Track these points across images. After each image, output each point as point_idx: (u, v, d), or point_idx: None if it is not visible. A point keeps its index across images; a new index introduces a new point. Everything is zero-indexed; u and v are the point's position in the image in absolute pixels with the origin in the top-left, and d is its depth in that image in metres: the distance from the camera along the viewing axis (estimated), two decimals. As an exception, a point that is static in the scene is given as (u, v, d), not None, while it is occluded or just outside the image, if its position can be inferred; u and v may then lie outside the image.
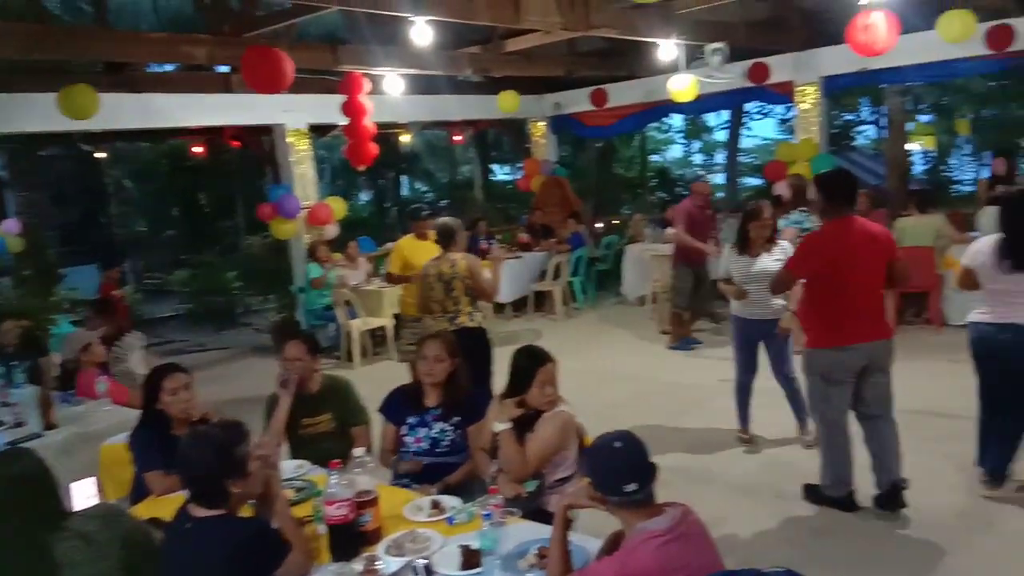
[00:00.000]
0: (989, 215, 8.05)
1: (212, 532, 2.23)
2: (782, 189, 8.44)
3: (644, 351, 7.78)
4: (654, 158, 24.03)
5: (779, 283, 4.12)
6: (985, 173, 10.16)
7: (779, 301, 4.70)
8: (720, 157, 23.24)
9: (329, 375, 3.81)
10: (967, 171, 19.66)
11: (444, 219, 5.21)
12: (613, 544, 2.19)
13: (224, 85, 8.67)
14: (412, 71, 8.19)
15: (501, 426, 2.94)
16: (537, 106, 11.95)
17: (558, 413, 2.98)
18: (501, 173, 23.34)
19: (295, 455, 3.57)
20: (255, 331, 10.81)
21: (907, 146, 12.82)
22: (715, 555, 2.12)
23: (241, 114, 8.82)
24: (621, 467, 2.04)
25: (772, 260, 4.70)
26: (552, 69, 9.90)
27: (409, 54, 7.43)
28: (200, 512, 2.27)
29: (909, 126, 13.17)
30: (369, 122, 7.66)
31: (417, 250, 6.28)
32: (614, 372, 7.10)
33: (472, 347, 4.40)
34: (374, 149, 7.82)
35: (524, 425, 3.01)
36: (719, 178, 22.73)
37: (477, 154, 19.24)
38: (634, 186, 20.47)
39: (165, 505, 2.79)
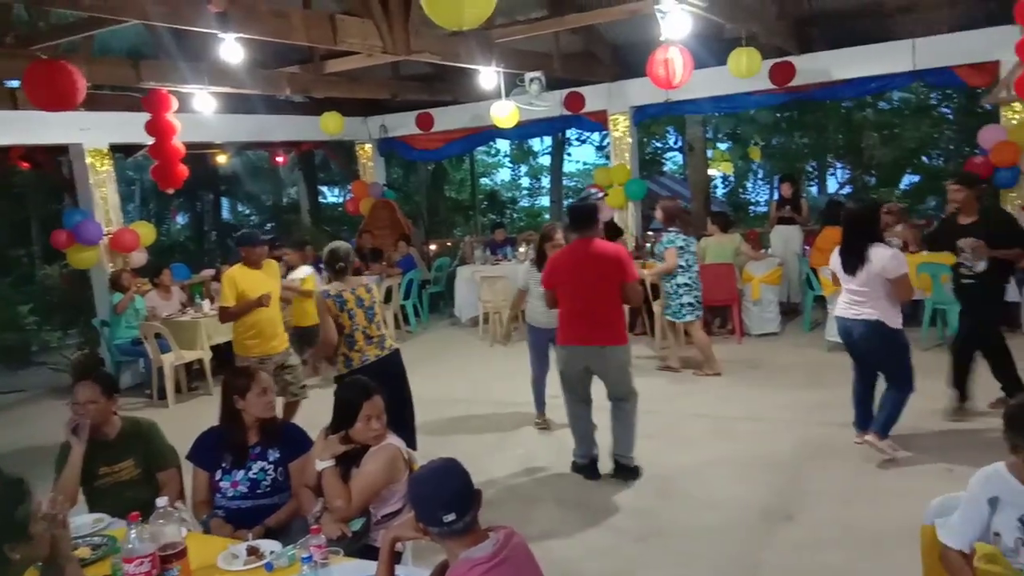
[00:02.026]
0: (778, 233, 8.97)
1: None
2: (608, 212, 8.91)
3: (477, 372, 7.85)
4: (484, 181, 24.52)
5: (546, 297, 4.84)
6: (775, 196, 11.26)
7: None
8: (546, 181, 24.11)
9: (130, 417, 3.49)
10: (761, 194, 21.74)
11: (333, 244, 4.88)
12: (440, 575, 2.16)
13: (11, 101, 7.81)
14: (225, 89, 7.81)
15: (324, 464, 2.83)
16: (363, 128, 11.84)
17: (385, 447, 2.91)
18: (331, 195, 22.82)
19: (94, 507, 3.22)
20: (53, 370, 9.76)
21: (709, 171, 13.97)
22: (539, 575, 2.15)
23: (30, 132, 7.99)
24: (439, 497, 2.02)
25: None
26: (377, 92, 9.84)
27: (220, 72, 7.10)
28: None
29: (709, 153, 14.36)
30: (178, 142, 7.20)
31: (248, 280, 5.54)
32: (448, 395, 7.09)
33: (399, 370, 4.85)
34: (183, 171, 7.35)
35: (350, 461, 2.91)
36: (544, 200, 23.60)
37: (303, 176, 18.67)
38: (465, 208, 20.76)
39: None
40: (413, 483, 2.12)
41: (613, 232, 8.34)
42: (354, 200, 12.06)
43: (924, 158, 16.91)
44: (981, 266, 4.77)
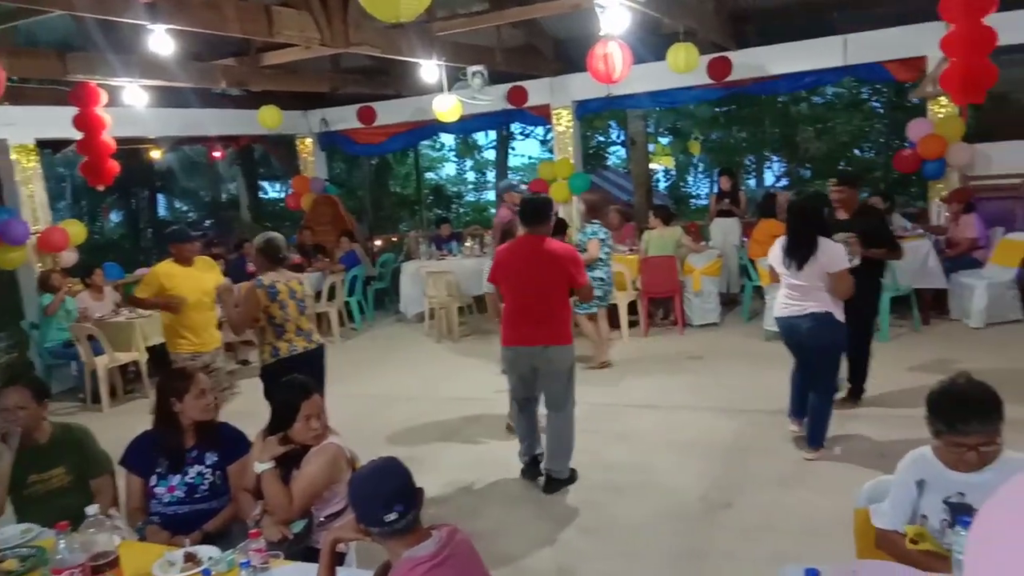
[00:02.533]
0: (718, 226, 9.14)
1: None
2: (578, 204, 8.97)
3: (423, 369, 7.81)
4: (429, 176, 24.36)
5: (489, 297, 4.73)
6: (715, 189, 11.47)
7: None
8: (491, 175, 24.10)
9: (62, 423, 3.37)
10: (702, 187, 22.13)
11: (271, 234, 4.82)
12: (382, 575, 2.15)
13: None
14: (157, 82, 7.58)
15: (263, 466, 2.78)
16: (304, 122, 11.63)
17: (326, 447, 2.87)
18: (272, 191, 22.38)
19: (23, 517, 3.09)
20: (-23, 376, 9.34)
21: (650, 165, 14.14)
22: (483, 572, 2.15)
23: (-53, 127, 7.62)
24: (380, 497, 2.00)
25: None
26: (317, 85, 9.67)
27: (152, 64, 6.88)
28: None
29: (651, 147, 14.54)
30: (108, 137, 6.96)
31: (177, 278, 5.56)
32: (394, 393, 7.05)
33: (321, 365, 4.79)
34: (114, 166, 7.11)
35: (290, 462, 2.86)
36: (490, 195, 23.58)
37: (242, 171, 18.26)
38: (410, 203, 20.60)
39: None
40: (353, 483, 2.10)
41: (559, 227, 8.39)
42: (295, 195, 11.85)
43: (856, 151, 17.44)
44: (856, 260, 4.77)
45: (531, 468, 4.74)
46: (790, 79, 9.25)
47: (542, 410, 4.73)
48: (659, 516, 4.17)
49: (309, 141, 11.98)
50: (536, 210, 4.51)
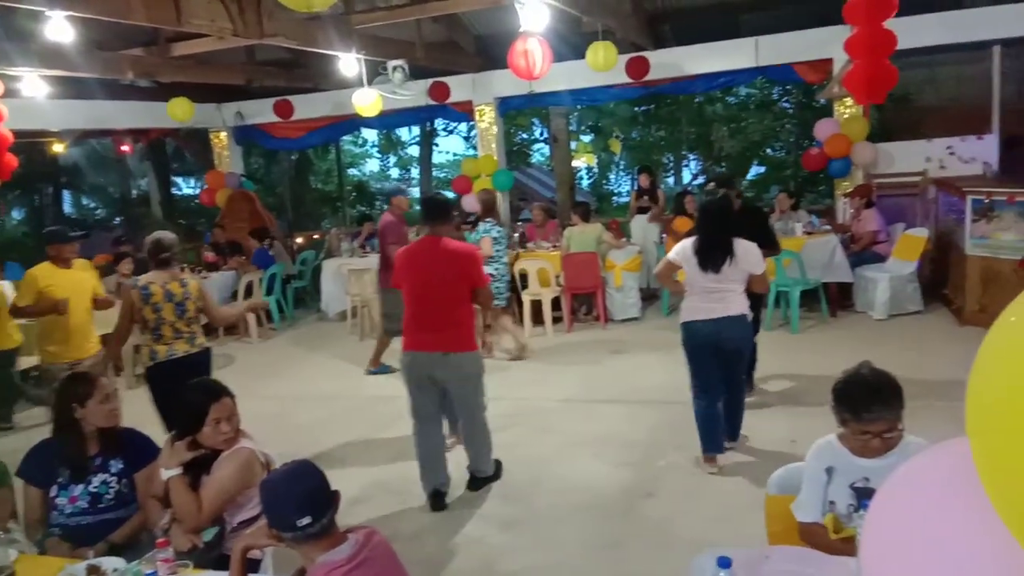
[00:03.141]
0: (638, 222, 9.32)
1: None
2: (471, 203, 8.94)
3: (346, 367, 7.67)
4: (351, 172, 23.95)
5: (383, 298, 4.44)
6: (635, 186, 11.68)
7: None
8: (416, 171, 23.89)
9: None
10: (623, 185, 22.52)
11: (159, 234, 4.61)
12: (297, 580, 2.09)
13: None
14: (57, 72, 7.19)
15: (170, 472, 2.66)
16: (217, 115, 11.26)
17: (238, 451, 2.77)
18: (186, 187, 21.59)
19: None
20: None
21: (573, 163, 14.29)
22: (402, 574, 2.12)
23: None
24: (292, 501, 1.94)
25: None
26: (231, 77, 9.37)
27: (52, 53, 6.51)
28: None
29: (573, 145, 14.70)
30: (4, 129, 6.57)
31: (56, 281, 5.26)
32: (314, 392, 6.90)
33: (206, 370, 4.53)
34: (12, 160, 6.71)
35: (201, 467, 2.76)
36: (415, 192, 23.37)
37: (154, 166, 17.53)
38: (332, 200, 20.21)
39: None
40: (264, 487, 2.03)
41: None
42: (209, 191, 11.45)
43: (768, 150, 18.07)
44: None
45: (435, 500, 4.34)
46: (705, 79, 9.51)
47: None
48: (580, 508, 4.21)
49: (224, 135, 11.61)
50: (437, 208, 4.33)
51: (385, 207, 9.72)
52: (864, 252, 7.87)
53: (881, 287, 7.42)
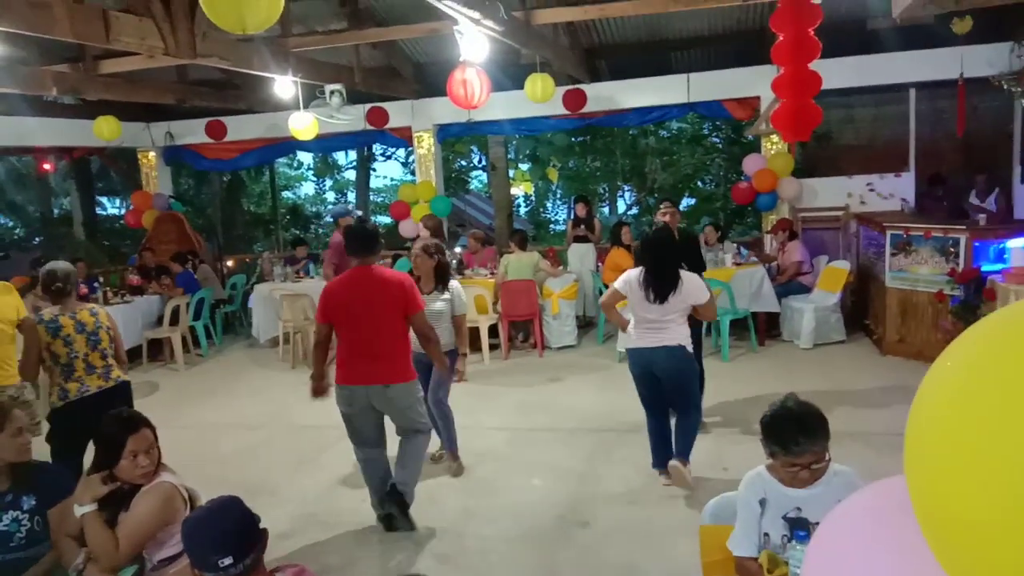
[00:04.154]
0: (574, 251, 9.43)
1: None
2: (409, 228, 8.89)
3: (276, 396, 7.46)
4: (286, 194, 23.56)
5: (315, 335, 4.32)
6: (571, 215, 11.83)
7: (445, 336, 4.88)
8: (352, 195, 23.67)
9: None
10: (560, 213, 22.81)
11: (50, 264, 4.33)
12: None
13: None
14: (-26, 87, 6.88)
15: (85, 508, 2.53)
16: (146, 135, 10.94)
17: (158, 485, 2.65)
18: (112, 207, 20.86)
19: None
20: None
21: (511, 190, 14.41)
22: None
23: None
24: (213, 539, 1.86)
25: (440, 300, 4.94)
26: (160, 96, 9.12)
27: (-31, 66, 6.24)
28: None
29: (511, 173, 14.84)
30: (-87, 144, 6.22)
31: None
32: (242, 421, 6.68)
33: (128, 402, 4.31)
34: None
35: (118, 503, 2.62)
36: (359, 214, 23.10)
37: (77, 185, 16.89)
38: (266, 222, 19.82)
39: None
40: (185, 525, 1.95)
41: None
42: (135, 212, 11.08)
43: (699, 182, 18.62)
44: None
45: (388, 522, 4.31)
46: (638, 113, 9.75)
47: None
48: (515, 538, 4.18)
49: (152, 155, 11.28)
50: (363, 238, 4.21)
51: (320, 230, 9.63)
52: (790, 283, 8.14)
53: (807, 317, 7.67)
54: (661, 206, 5.81)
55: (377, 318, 4.09)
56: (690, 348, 4.52)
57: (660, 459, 4.70)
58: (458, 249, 10.70)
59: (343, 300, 4.12)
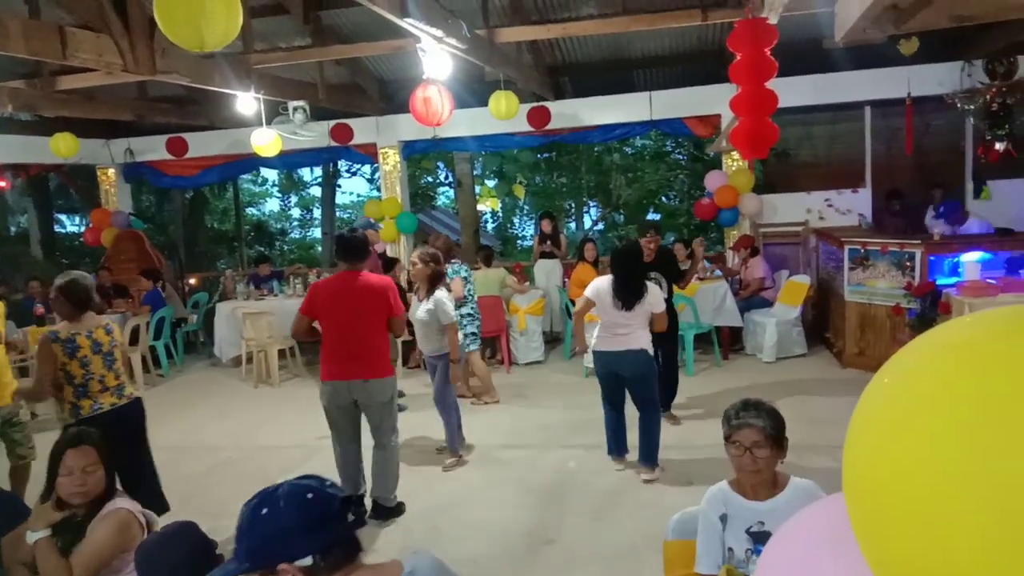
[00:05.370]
0: (541, 267, 9.45)
1: None
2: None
3: (238, 416, 7.34)
4: (250, 211, 23.29)
5: (295, 323, 4.62)
6: (538, 231, 11.86)
7: (429, 343, 5.34)
8: (317, 212, 23.49)
9: None
10: (527, 229, 22.88)
11: (75, 274, 4.11)
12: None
13: None
14: (-74, 102, 6.71)
15: (36, 535, 2.45)
16: (105, 152, 10.76)
17: (115, 511, 2.57)
18: (71, 225, 20.45)
19: None
20: None
21: (478, 207, 14.42)
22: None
23: None
24: (167, 566, 1.83)
25: (424, 309, 5.22)
26: (118, 112, 8.98)
27: (-81, 82, 6.08)
28: None
29: (477, 189, 14.86)
30: None
31: None
32: (202, 443, 6.55)
33: (138, 423, 4.34)
34: None
35: (76, 531, 2.55)
36: (317, 232, 22.94)
37: (35, 203, 16.53)
38: (230, 239, 19.55)
39: None
40: (138, 552, 1.91)
41: (387, 263, 8.36)
42: (94, 230, 10.87)
43: (663, 198, 18.84)
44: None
45: (376, 510, 4.68)
46: (602, 130, 9.86)
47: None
48: (482, 556, 4.15)
49: (112, 172, 11.10)
50: (353, 247, 4.61)
51: (285, 247, 9.52)
52: (752, 298, 8.25)
53: (769, 331, 7.78)
54: (647, 235, 6.28)
55: (362, 320, 4.48)
56: (651, 351, 4.99)
57: (615, 447, 5.25)
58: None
59: (330, 300, 4.49)
